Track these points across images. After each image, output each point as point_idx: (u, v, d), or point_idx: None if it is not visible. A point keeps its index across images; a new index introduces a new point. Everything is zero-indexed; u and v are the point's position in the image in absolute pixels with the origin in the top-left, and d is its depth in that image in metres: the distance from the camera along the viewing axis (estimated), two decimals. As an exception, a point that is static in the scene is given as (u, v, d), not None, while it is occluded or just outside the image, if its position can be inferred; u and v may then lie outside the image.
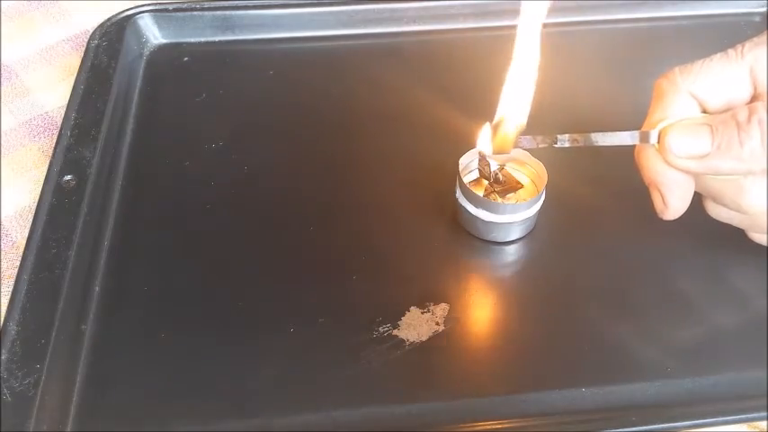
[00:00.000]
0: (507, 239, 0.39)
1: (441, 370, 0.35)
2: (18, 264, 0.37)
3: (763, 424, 0.33)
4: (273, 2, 0.52)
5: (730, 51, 0.33)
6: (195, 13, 0.51)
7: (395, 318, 0.36)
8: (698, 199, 0.35)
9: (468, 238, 0.40)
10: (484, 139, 0.36)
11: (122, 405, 0.33)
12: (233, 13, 0.52)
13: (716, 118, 0.32)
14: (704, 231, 0.37)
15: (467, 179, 0.40)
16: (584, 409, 0.33)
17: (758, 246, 0.36)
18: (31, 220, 0.38)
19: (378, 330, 0.36)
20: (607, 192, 0.42)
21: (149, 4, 0.51)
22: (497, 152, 0.36)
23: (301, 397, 0.34)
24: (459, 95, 0.47)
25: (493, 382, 0.34)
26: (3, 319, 0.35)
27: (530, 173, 0.40)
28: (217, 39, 0.52)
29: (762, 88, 0.32)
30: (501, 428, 0.33)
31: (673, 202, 0.34)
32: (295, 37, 0.52)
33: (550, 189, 0.39)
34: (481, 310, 0.37)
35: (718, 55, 0.33)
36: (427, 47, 0.52)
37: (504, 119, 0.34)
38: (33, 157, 0.46)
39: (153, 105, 0.47)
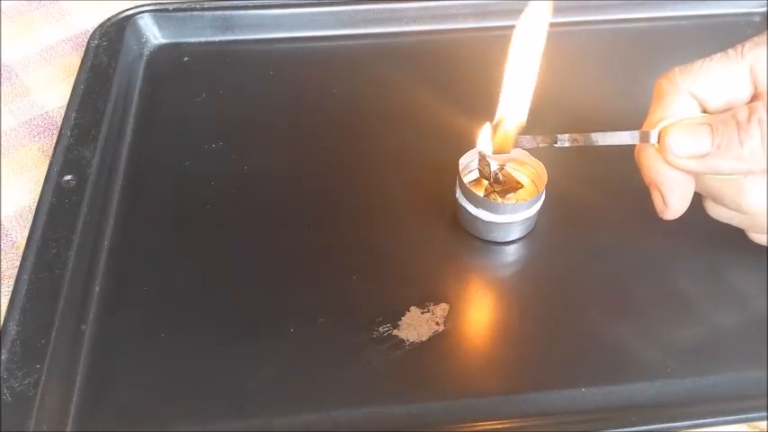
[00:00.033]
0: (507, 239, 0.39)
1: (441, 370, 0.35)
2: (18, 264, 0.37)
3: (763, 424, 0.33)
4: (273, 2, 0.52)
5: (730, 51, 0.33)
6: (195, 13, 0.51)
7: (395, 318, 0.36)
8: (698, 199, 0.35)
9: (468, 238, 0.40)
10: (484, 138, 0.36)
11: (122, 405, 0.33)
12: (233, 13, 0.52)
13: (716, 118, 0.32)
14: (704, 231, 0.37)
15: (467, 179, 0.40)
16: (584, 409, 0.33)
17: (758, 246, 0.36)
18: (31, 220, 0.38)
19: (378, 330, 0.36)
20: (607, 192, 0.42)
21: (149, 4, 0.51)
22: (497, 152, 0.36)
23: (301, 397, 0.34)
24: (459, 95, 0.47)
25: (493, 382, 0.34)
26: (3, 319, 0.35)
27: (530, 173, 0.40)
28: (217, 39, 0.52)
29: (762, 88, 0.32)
30: (501, 428, 0.33)
31: (673, 202, 0.34)
32: (295, 37, 0.52)
33: (550, 189, 0.39)
34: (481, 310, 0.37)
35: (719, 55, 0.33)
36: (427, 47, 0.52)
37: (504, 118, 0.34)
38: (33, 157, 0.46)
39: (153, 105, 0.47)
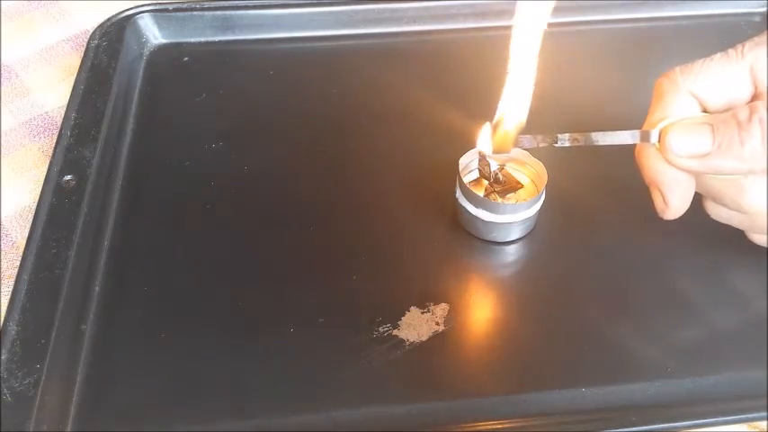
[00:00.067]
0: (507, 239, 0.39)
1: (441, 370, 0.35)
2: (18, 264, 0.37)
3: (763, 424, 0.33)
4: (273, 2, 0.52)
5: (731, 51, 0.33)
6: (195, 13, 0.51)
7: (395, 318, 0.36)
8: (698, 199, 0.35)
9: (468, 238, 0.40)
10: (484, 138, 0.36)
11: (122, 405, 0.33)
12: (233, 13, 0.52)
13: (717, 117, 0.32)
14: (704, 232, 0.37)
15: (467, 179, 0.40)
16: (584, 409, 0.33)
17: (757, 247, 0.36)
18: (31, 220, 0.38)
19: (378, 330, 0.36)
20: (607, 192, 0.42)
21: (149, 4, 0.51)
22: (497, 152, 0.35)
23: (301, 397, 0.34)
24: (459, 95, 0.47)
25: (493, 382, 0.34)
26: (3, 319, 0.35)
27: (530, 173, 0.40)
28: (217, 39, 0.52)
29: (762, 87, 0.32)
30: (501, 428, 0.33)
31: (673, 202, 0.34)
32: (295, 37, 0.52)
33: (550, 189, 0.39)
34: (481, 310, 0.37)
35: (719, 55, 0.33)
36: (427, 47, 0.52)
37: (504, 118, 0.34)
38: (33, 157, 0.46)
39: (153, 105, 0.47)
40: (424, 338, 0.35)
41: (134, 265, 0.38)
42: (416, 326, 0.36)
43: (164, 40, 0.51)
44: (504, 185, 0.39)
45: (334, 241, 0.40)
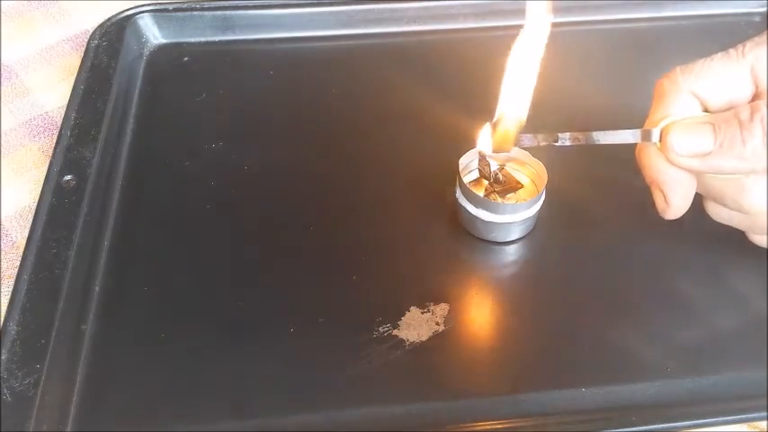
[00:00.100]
0: (507, 239, 0.39)
1: (441, 370, 0.35)
2: (18, 264, 0.37)
3: (763, 424, 0.33)
4: (273, 2, 0.52)
5: (731, 51, 0.33)
6: (195, 13, 0.51)
7: (395, 318, 0.36)
8: (698, 200, 0.35)
9: (468, 238, 0.40)
10: (484, 138, 0.36)
11: (122, 405, 0.33)
12: (233, 13, 0.52)
13: (718, 116, 0.32)
14: (704, 232, 0.37)
15: (467, 179, 0.40)
16: (584, 409, 0.33)
17: (758, 247, 0.36)
18: (31, 220, 0.38)
19: (378, 330, 0.36)
20: (607, 191, 0.42)
21: (149, 4, 0.51)
22: (497, 151, 0.35)
23: (301, 397, 0.34)
24: (459, 95, 0.47)
25: (493, 382, 0.34)
26: (3, 319, 0.35)
27: (530, 173, 0.40)
28: (217, 39, 0.52)
29: (763, 87, 0.32)
30: (501, 428, 0.33)
31: (675, 201, 0.34)
32: (295, 37, 0.52)
33: (550, 189, 0.39)
34: (481, 310, 0.37)
35: (720, 54, 0.33)
36: (427, 47, 0.52)
37: (505, 117, 0.34)
38: (33, 157, 0.46)
39: (153, 105, 0.47)
40: (424, 338, 0.35)
41: (134, 265, 0.38)
42: (416, 326, 0.36)
43: (164, 40, 0.51)
44: (504, 185, 0.39)
45: (334, 241, 0.40)
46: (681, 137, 0.32)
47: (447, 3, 0.53)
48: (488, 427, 0.33)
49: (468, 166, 0.40)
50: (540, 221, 0.40)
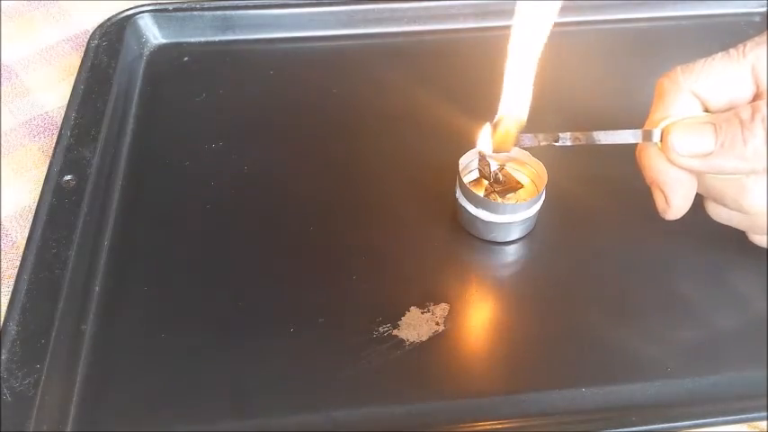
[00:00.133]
0: (507, 239, 0.39)
1: (441, 370, 0.35)
2: (18, 264, 0.37)
3: (763, 424, 0.33)
4: (273, 2, 0.52)
5: (732, 51, 0.33)
6: (195, 13, 0.51)
7: (395, 318, 0.36)
8: (698, 200, 0.35)
9: (468, 238, 0.40)
10: (484, 138, 0.36)
11: (122, 405, 0.33)
12: (233, 13, 0.52)
13: (719, 116, 0.32)
14: (704, 232, 0.37)
15: (467, 179, 0.40)
16: (584, 409, 0.33)
17: (758, 248, 0.36)
18: (31, 220, 0.38)
19: (378, 330, 0.36)
20: (607, 192, 0.42)
21: (149, 4, 0.51)
22: (498, 151, 0.35)
23: (301, 397, 0.34)
24: (459, 95, 0.47)
25: (493, 382, 0.34)
26: (3, 319, 0.35)
27: (530, 173, 0.40)
28: (217, 39, 0.52)
29: (763, 87, 0.32)
30: (501, 428, 0.33)
31: (675, 202, 0.34)
32: (295, 37, 0.52)
33: (550, 189, 0.39)
34: (481, 310, 0.37)
35: (720, 54, 0.33)
36: (427, 47, 0.52)
37: (505, 117, 0.34)
38: (33, 157, 0.46)
39: (153, 105, 0.47)
40: (424, 338, 0.35)
41: (134, 265, 0.38)
42: (416, 326, 0.36)
43: (164, 40, 0.51)
44: (504, 185, 0.39)
45: (334, 241, 0.40)
46: (682, 137, 0.32)
47: (447, 3, 0.53)
48: (488, 427, 0.33)
49: (468, 166, 0.40)
50: (540, 221, 0.40)
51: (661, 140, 0.33)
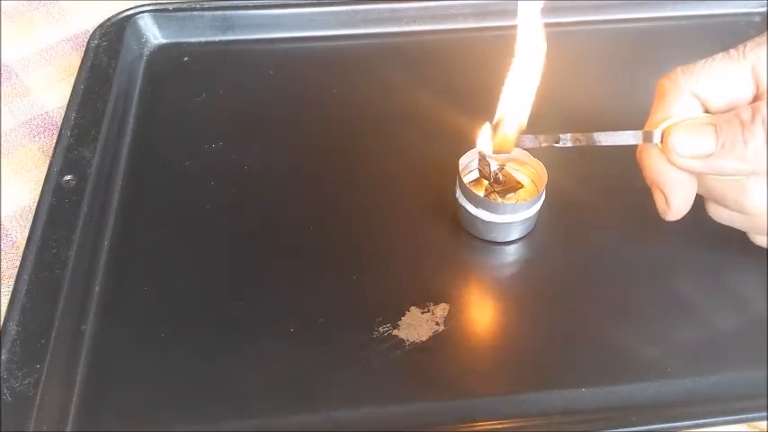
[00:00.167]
0: (507, 239, 0.39)
1: (441, 370, 0.35)
2: (18, 264, 0.37)
3: (763, 424, 0.33)
4: (273, 2, 0.52)
5: (732, 51, 0.33)
6: (195, 13, 0.51)
7: (395, 318, 0.36)
8: (698, 200, 0.35)
9: (468, 238, 0.40)
10: (484, 138, 0.36)
11: (122, 405, 0.33)
12: (233, 13, 0.52)
13: (720, 117, 0.32)
14: (704, 233, 0.37)
15: (467, 179, 0.40)
16: (584, 409, 0.33)
17: (758, 248, 0.36)
18: (31, 220, 0.38)
19: (378, 330, 0.36)
20: (607, 192, 0.42)
21: (149, 4, 0.51)
22: (498, 152, 0.35)
23: (301, 397, 0.34)
24: (459, 95, 0.47)
25: (493, 382, 0.34)
26: (3, 319, 0.35)
27: (530, 173, 0.40)
28: (217, 39, 0.52)
29: (764, 87, 0.32)
30: (501, 428, 0.33)
31: (676, 203, 0.34)
32: (295, 37, 0.52)
33: (550, 189, 0.39)
34: (481, 310, 0.37)
35: (720, 55, 0.33)
36: (427, 47, 0.52)
37: (505, 118, 0.34)
38: (33, 157, 0.46)
39: (153, 105, 0.47)
40: (424, 338, 0.35)
41: (134, 265, 0.38)
42: (416, 326, 0.36)
43: (164, 40, 0.51)
44: (504, 185, 0.39)
45: (334, 241, 0.40)
46: (682, 138, 0.32)
47: (447, 3, 0.53)
48: (488, 427, 0.33)
49: (468, 166, 0.40)
50: (540, 221, 0.40)
51: (661, 141, 0.33)
